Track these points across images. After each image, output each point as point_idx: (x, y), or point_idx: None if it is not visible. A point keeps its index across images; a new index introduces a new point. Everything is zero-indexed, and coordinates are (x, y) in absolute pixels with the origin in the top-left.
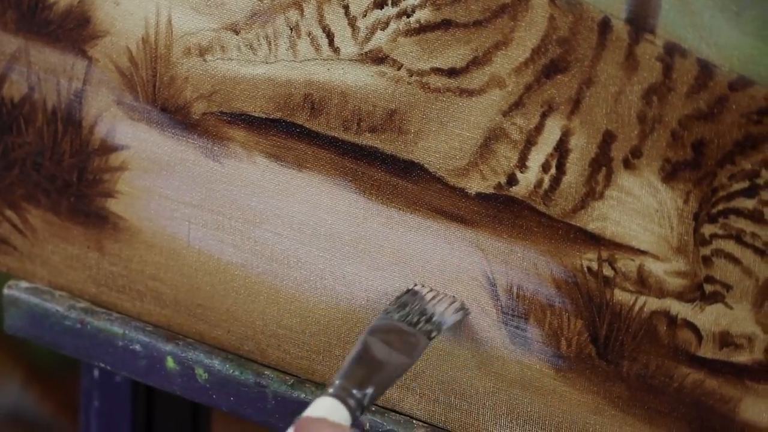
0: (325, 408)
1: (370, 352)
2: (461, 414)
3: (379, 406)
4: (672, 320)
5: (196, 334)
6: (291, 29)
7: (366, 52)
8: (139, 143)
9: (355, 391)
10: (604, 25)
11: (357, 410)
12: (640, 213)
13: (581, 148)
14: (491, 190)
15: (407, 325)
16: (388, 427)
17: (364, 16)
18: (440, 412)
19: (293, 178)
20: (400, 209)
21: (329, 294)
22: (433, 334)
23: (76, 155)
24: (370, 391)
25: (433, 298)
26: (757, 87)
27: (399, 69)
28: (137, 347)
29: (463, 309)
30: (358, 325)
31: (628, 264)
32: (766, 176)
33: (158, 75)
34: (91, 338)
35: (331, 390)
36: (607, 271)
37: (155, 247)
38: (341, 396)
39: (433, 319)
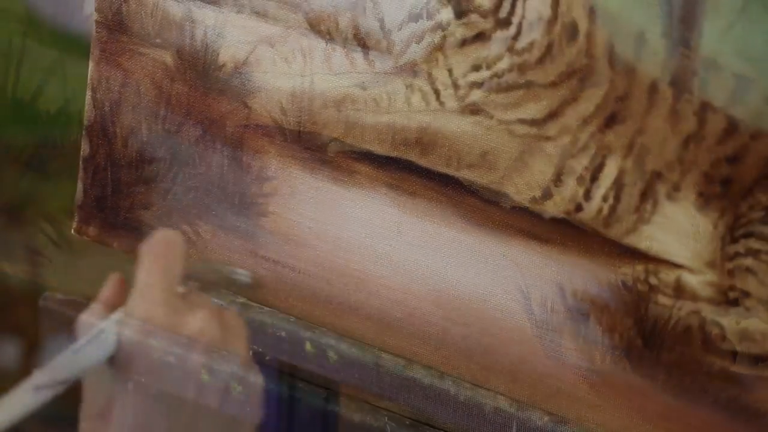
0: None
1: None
2: (545, 390)
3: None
4: (703, 320)
5: (328, 323)
6: (406, 87)
7: (465, 105)
8: (286, 175)
9: None
10: (653, 87)
11: None
12: (680, 235)
13: (633, 184)
14: (562, 215)
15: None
16: (478, 400)
17: (464, 77)
18: (526, 391)
19: (407, 204)
20: (490, 229)
21: (433, 295)
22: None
23: (237, 184)
24: None
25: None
26: None
27: (491, 119)
28: (283, 333)
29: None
30: (457, 318)
31: (669, 276)
32: None
33: (302, 121)
34: (247, 326)
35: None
36: (653, 281)
37: (299, 255)
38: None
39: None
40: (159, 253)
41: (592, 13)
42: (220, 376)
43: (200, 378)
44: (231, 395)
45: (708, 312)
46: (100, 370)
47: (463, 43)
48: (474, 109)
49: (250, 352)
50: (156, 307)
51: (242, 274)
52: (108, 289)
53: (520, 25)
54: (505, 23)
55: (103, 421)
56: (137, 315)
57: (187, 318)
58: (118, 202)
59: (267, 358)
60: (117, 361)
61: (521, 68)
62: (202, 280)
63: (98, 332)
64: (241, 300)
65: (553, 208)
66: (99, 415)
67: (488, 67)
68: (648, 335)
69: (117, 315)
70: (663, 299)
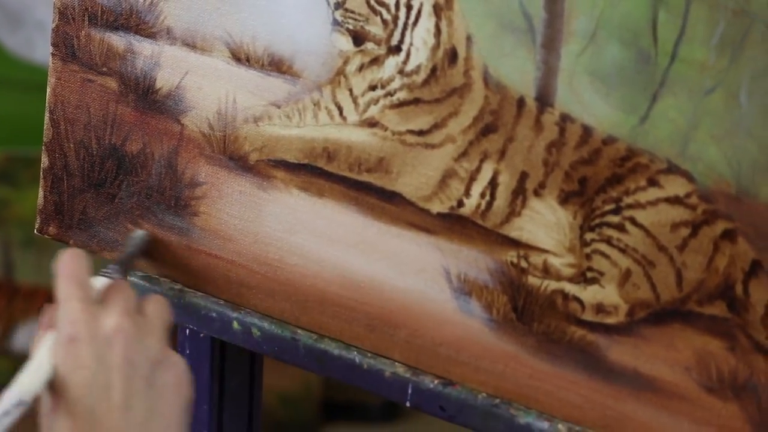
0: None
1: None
2: (435, 357)
3: (372, 353)
4: (565, 296)
5: (252, 305)
6: (314, 105)
7: (364, 119)
8: (214, 180)
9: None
10: (521, 102)
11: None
12: (545, 225)
13: (506, 183)
14: (447, 210)
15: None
16: (379, 367)
17: (363, 95)
18: (420, 359)
19: (316, 203)
20: (386, 223)
21: (339, 279)
22: None
23: (173, 189)
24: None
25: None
26: (620, 142)
27: (386, 130)
28: (213, 314)
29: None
30: (360, 297)
31: (537, 259)
32: (627, 201)
33: (227, 135)
34: (183, 308)
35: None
36: (524, 264)
37: (226, 248)
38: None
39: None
40: (68, 271)
41: (469, 40)
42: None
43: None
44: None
45: (570, 289)
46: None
47: (361, 67)
48: (371, 123)
49: (169, 336)
50: (78, 318)
51: (139, 235)
52: (45, 315)
53: (408, 52)
54: (396, 50)
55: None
56: (64, 333)
57: (103, 320)
58: (72, 206)
59: (201, 335)
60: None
61: (410, 87)
62: (124, 265)
63: (36, 359)
64: (178, 287)
65: (438, 204)
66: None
67: (382, 87)
68: (520, 309)
69: (49, 339)
70: (532, 279)
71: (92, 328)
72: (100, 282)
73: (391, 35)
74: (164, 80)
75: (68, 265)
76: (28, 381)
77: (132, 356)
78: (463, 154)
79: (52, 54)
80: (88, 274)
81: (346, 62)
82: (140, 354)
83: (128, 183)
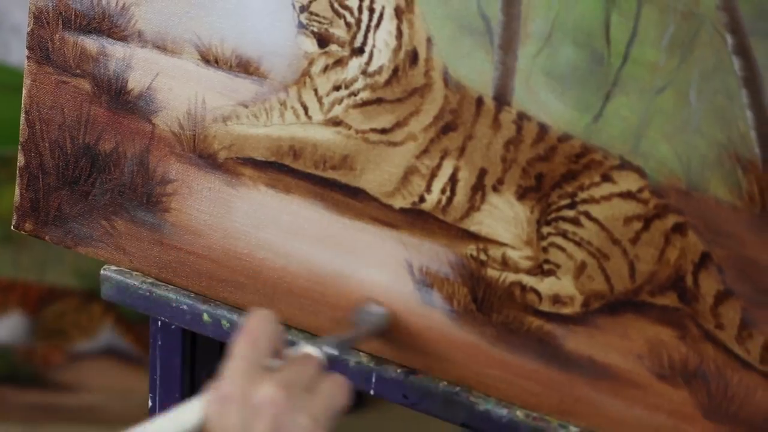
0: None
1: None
2: (398, 347)
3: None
4: (523, 287)
5: (221, 298)
6: (281, 104)
7: (329, 119)
8: (184, 177)
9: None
10: (479, 101)
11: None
12: (504, 219)
13: (465, 179)
14: (409, 206)
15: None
16: (344, 357)
17: (327, 95)
18: (384, 349)
19: (283, 200)
20: (351, 218)
21: (305, 272)
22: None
23: (145, 186)
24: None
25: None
26: (575, 139)
27: (349, 129)
28: (184, 307)
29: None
30: (326, 290)
31: (495, 252)
32: (581, 196)
33: (197, 134)
34: (155, 301)
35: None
36: (483, 257)
37: (196, 243)
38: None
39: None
40: (250, 330)
41: (429, 42)
42: None
43: None
44: None
45: (527, 281)
46: None
47: (326, 68)
48: (336, 122)
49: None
50: (237, 379)
51: (377, 312)
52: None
53: (371, 53)
54: (359, 51)
55: None
56: (220, 389)
57: (261, 388)
58: (48, 203)
59: (172, 327)
60: None
61: (373, 87)
62: (346, 343)
63: (186, 407)
64: (150, 280)
65: (401, 200)
66: None
67: (346, 87)
68: (480, 301)
69: (207, 392)
70: (491, 271)
71: (247, 392)
72: (297, 350)
73: (354, 37)
74: (136, 81)
75: (253, 325)
76: (170, 425)
77: (277, 430)
78: (424, 152)
79: (28, 57)
80: (272, 338)
81: (311, 63)
82: (286, 430)
83: (102, 181)
